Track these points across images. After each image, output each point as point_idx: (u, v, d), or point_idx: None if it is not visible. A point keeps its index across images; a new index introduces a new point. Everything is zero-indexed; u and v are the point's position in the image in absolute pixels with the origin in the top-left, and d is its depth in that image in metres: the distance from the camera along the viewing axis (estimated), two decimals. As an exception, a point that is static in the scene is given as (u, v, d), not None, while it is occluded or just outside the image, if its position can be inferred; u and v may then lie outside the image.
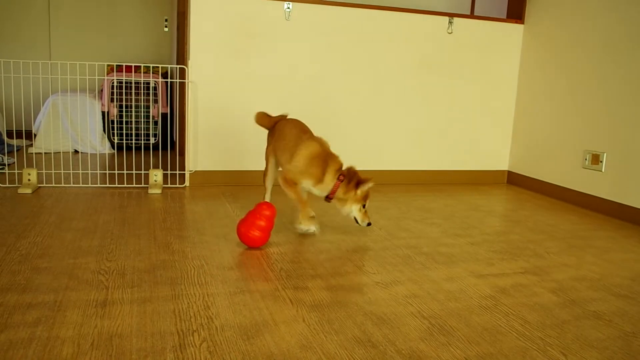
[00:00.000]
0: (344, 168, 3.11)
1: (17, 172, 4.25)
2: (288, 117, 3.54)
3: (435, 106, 4.83)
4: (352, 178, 3.06)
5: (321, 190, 3.10)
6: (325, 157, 3.08)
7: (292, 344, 1.88)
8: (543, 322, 2.15)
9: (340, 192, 3.06)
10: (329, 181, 3.06)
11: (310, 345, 1.88)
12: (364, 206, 3.10)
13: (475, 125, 4.96)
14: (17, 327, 1.90)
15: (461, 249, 3.04)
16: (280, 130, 3.33)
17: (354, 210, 3.10)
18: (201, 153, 4.36)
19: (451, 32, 4.72)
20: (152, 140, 5.91)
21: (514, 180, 5.04)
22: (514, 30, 4.91)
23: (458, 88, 4.85)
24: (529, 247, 3.16)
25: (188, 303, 2.17)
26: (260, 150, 4.46)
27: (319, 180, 3.06)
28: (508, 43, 4.92)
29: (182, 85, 4.39)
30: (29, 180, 4.00)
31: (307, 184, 3.09)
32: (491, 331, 2.05)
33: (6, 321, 1.95)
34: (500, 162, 5.10)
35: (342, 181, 3.04)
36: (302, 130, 3.25)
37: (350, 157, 4.63)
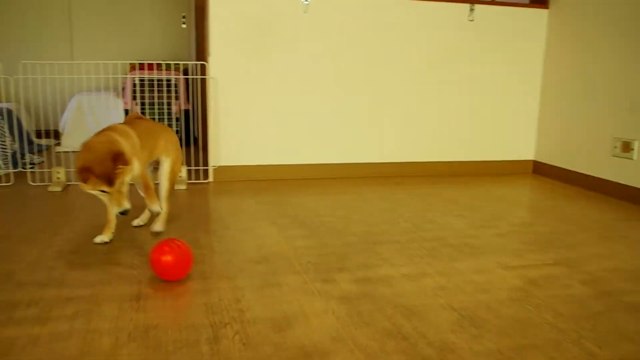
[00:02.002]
0: None
1: (47, 171, 4.30)
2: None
3: (457, 96, 4.79)
4: (79, 156, 2.59)
5: None
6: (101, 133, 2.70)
7: (323, 336, 1.88)
8: (576, 314, 2.13)
9: None
10: None
11: (341, 337, 1.87)
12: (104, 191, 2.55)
13: (499, 115, 4.92)
14: (58, 321, 1.96)
15: (488, 241, 3.02)
16: None
17: (95, 193, 2.60)
18: (223, 148, 4.38)
19: (472, 20, 4.67)
20: (175, 136, 5.93)
21: (540, 170, 4.98)
22: (538, 15, 4.84)
23: (481, 77, 4.81)
24: (558, 238, 3.12)
25: (219, 296, 2.18)
26: (283, 145, 4.47)
27: None
28: (532, 29, 4.85)
29: (203, 82, 4.40)
30: (58, 178, 4.07)
31: None
32: (523, 323, 2.03)
33: (47, 315, 2.00)
34: (526, 151, 5.05)
35: None
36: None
37: (372, 151, 4.63)
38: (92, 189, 2.50)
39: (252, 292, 2.24)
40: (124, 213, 2.53)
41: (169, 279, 2.32)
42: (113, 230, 2.82)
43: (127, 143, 2.63)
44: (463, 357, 1.77)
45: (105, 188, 2.48)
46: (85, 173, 2.44)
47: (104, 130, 2.68)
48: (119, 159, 2.47)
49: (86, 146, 2.53)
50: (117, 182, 2.49)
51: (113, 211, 2.58)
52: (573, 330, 1.99)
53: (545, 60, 4.92)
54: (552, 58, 4.84)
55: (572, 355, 1.81)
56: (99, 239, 2.74)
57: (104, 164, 2.44)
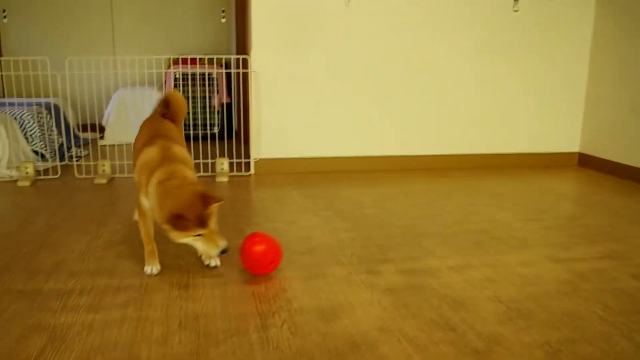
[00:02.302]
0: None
1: (93, 164, 4.39)
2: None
3: (501, 87, 4.73)
4: (163, 203, 2.21)
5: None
6: (156, 165, 2.32)
7: (370, 327, 1.89)
8: (626, 308, 2.09)
9: (154, 216, 2.29)
10: (150, 197, 2.30)
11: (388, 328, 1.88)
12: (198, 235, 2.20)
13: (543, 107, 4.84)
14: (110, 309, 2.02)
15: (535, 234, 2.98)
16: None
17: (186, 242, 2.23)
18: (264, 141, 4.41)
19: (517, 10, 4.61)
20: (215, 129, 6.00)
21: (585, 162, 4.89)
22: (586, 3, 4.74)
23: (525, 68, 4.74)
24: (606, 231, 3.07)
25: (266, 286, 2.21)
26: (324, 137, 4.48)
27: (144, 191, 2.35)
28: (579, 17, 4.75)
29: (244, 75, 4.43)
30: (103, 171, 4.16)
31: (144, 201, 2.38)
32: (572, 316, 2.01)
33: (99, 303, 2.07)
34: (571, 143, 4.96)
35: None
36: (152, 134, 2.52)
37: (414, 143, 4.61)
38: (187, 236, 2.19)
39: (298, 283, 2.26)
40: (224, 252, 2.23)
41: (259, 270, 2.32)
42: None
43: (190, 169, 2.40)
44: (511, 349, 1.76)
45: (200, 231, 2.19)
46: (180, 221, 2.14)
47: (166, 161, 2.32)
48: (207, 199, 2.19)
49: (165, 192, 2.21)
50: (211, 222, 2.22)
51: (212, 253, 2.26)
52: (623, 324, 1.96)
53: (592, 49, 4.82)
54: (599, 48, 4.74)
55: (621, 349, 1.79)
56: (148, 269, 2.38)
57: (193, 208, 2.16)
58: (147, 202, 2.31)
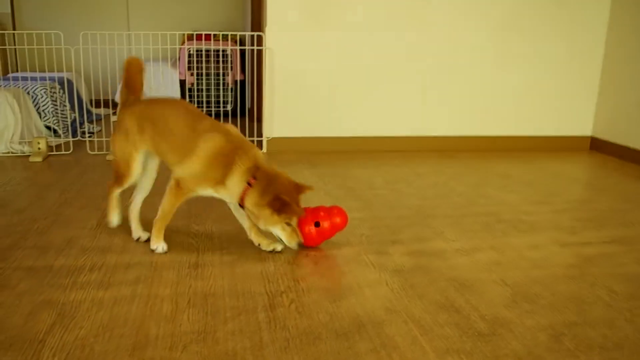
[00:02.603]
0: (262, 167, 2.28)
1: (105, 140, 4.41)
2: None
3: (514, 69, 4.70)
4: (266, 188, 2.22)
5: (227, 196, 2.33)
6: (230, 153, 2.27)
7: (377, 307, 1.91)
8: (631, 293, 2.11)
9: (248, 202, 2.24)
10: (234, 185, 2.26)
11: (395, 308, 1.91)
12: (288, 224, 2.27)
13: (556, 89, 4.80)
14: (120, 285, 2.05)
15: (543, 217, 2.99)
16: (162, 117, 2.39)
17: (272, 229, 2.28)
18: (277, 120, 4.42)
19: (534, -7, 4.56)
20: (228, 107, 6.01)
21: (598, 146, 4.86)
22: (602, -13, 4.70)
23: (539, 49, 4.69)
24: (615, 216, 3.07)
25: (274, 266, 2.24)
26: (337, 117, 4.49)
27: (219, 182, 2.29)
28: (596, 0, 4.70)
29: (258, 53, 4.43)
30: (115, 147, 4.16)
31: (205, 190, 2.34)
32: (576, 300, 2.03)
33: (109, 279, 2.10)
34: (584, 127, 4.93)
35: (252, 186, 2.23)
36: (195, 117, 2.38)
37: (426, 124, 4.61)
38: (281, 221, 2.22)
39: (307, 262, 2.29)
40: (300, 244, 2.30)
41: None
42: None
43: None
44: (514, 331, 1.79)
45: (294, 217, 2.24)
46: (283, 204, 2.17)
47: (240, 148, 2.29)
48: (300, 187, 2.28)
49: (265, 177, 2.22)
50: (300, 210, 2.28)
51: (292, 244, 2.28)
52: (627, 309, 1.97)
53: (608, 32, 4.76)
54: (616, 28, 4.67)
55: (624, 334, 1.81)
56: (160, 248, 2.37)
57: (291, 194, 2.23)
58: (223, 190, 2.29)
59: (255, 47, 4.56)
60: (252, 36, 4.44)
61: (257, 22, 5.39)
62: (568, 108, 4.85)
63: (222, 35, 6.23)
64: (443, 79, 4.60)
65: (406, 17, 4.43)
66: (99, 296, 1.95)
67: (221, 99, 5.99)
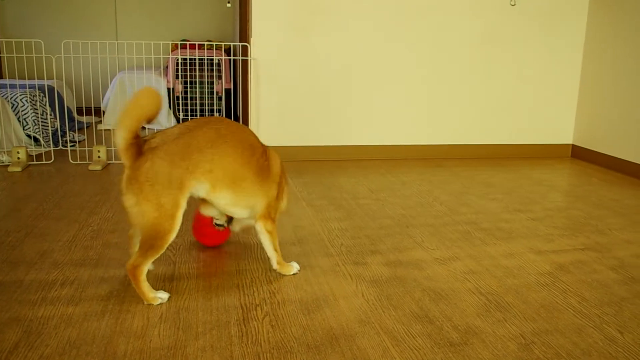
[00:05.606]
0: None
1: (88, 150, 4.40)
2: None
3: (496, 79, 4.76)
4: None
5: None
6: (281, 169, 2.33)
7: (351, 319, 1.94)
8: (601, 300, 2.15)
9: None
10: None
11: (369, 320, 1.94)
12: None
13: (537, 98, 4.87)
14: (91, 301, 2.02)
15: (521, 225, 3.03)
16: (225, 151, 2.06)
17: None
18: (264, 129, 4.45)
19: (514, 4, 4.62)
20: (216, 115, 6.03)
21: (578, 154, 4.93)
22: (580, -1, 4.77)
23: (520, 60, 4.76)
24: (591, 223, 3.12)
25: (251, 278, 2.26)
26: (323, 126, 4.52)
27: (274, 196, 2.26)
28: (573, 11, 4.77)
29: (245, 62, 4.46)
30: (98, 157, 4.16)
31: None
32: (548, 308, 2.07)
33: (80, 295, 2.07)
34: (564, 135, 5.00)
35: None
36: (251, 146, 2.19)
37: (411, 133, 4.65)
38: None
39: (284, 274, 2.31)
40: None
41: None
42: None
43: None
44: (486, 340, 1.82)
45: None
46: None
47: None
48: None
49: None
50: None
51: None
52: (596, 316, 2.01)
53: (586, 43, 4.84)
54: (592, 40, 4.76)
55: (593, 341, 1.84)
56: (294, 269, 2.33)
57: None
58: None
59: (240, 57, 4.59)
60: (238, 46, 4.47)
61: (246, 31, 5.43)
62: (549, 117, 4.92)
63: (210, 45, 6.26)
64: (429, 89, 4.64)
65: (391, 28, 4.47)
66: (69, 312, 1.91)
67: (206, 107, 6.01)
